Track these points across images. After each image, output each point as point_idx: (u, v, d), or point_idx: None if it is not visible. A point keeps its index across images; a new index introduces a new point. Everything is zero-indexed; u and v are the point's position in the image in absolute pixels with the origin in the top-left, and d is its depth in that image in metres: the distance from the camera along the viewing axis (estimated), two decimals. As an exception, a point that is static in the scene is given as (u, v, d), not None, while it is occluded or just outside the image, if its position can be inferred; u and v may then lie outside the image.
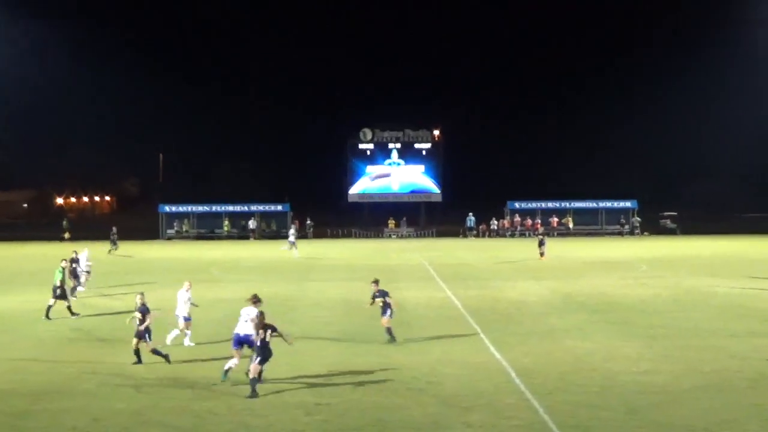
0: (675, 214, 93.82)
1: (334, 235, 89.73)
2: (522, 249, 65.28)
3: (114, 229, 68.79)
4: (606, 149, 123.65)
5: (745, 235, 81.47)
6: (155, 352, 23.33)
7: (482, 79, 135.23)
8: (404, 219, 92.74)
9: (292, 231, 67.15)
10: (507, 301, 36.09)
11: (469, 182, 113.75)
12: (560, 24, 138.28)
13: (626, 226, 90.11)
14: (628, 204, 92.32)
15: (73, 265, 38.24)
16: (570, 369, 22.61)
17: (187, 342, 26.28)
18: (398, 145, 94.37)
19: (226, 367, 21.45)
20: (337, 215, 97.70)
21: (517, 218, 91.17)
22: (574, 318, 31.35)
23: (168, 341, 25.87)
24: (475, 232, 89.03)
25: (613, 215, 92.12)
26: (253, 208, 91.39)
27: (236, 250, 70.04)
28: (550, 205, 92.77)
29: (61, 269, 33.04)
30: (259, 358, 20.17)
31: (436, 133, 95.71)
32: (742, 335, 27.32)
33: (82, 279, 39.94)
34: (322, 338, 26.82)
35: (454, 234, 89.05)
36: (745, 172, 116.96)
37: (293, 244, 63.81)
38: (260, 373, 20.27)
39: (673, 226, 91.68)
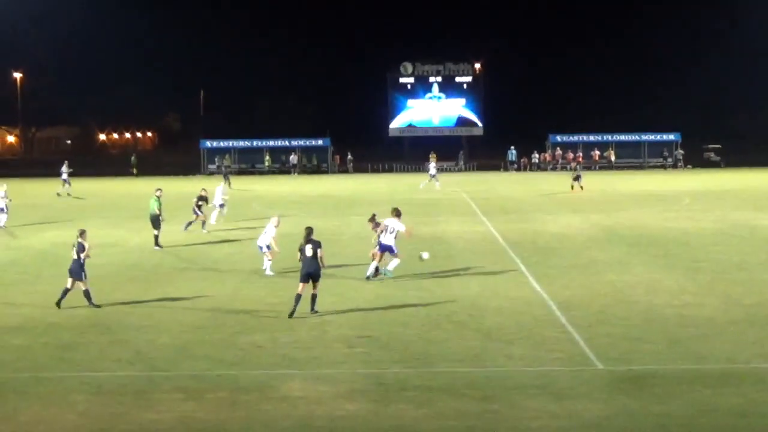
0: (719, 146, 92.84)
1: (375, 170, 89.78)
2: (563, 182, 64.94)
3: (65, 164, 63.41)
4: (649, 81, 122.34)
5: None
6: (86, 294, 22.53)
7: (523, 11, 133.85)
8: (461, 153, 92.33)
9: (432, 165, 67.58)
10: (548, 235, 36.06)
11: (510, 116, 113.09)
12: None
13: (669, 159, 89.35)
14: (671, 137, 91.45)
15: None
16: (611, 302, 22.63)
17: (268, 271, 27.12)
18: (439, 79, 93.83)
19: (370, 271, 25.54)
20: (379, 150, 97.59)
21: (559, 151, 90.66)
22: (616, 251, 31.30)
23: (268, 271, 27.08)
24: (516, 165, 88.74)
25: (656, 148, 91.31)
26: (294, 143, 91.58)
27: (278, 184, 70.31)
28: (591, 138, 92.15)
29: (156, 198, 33.60)
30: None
31: (477, 66, 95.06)
32: (785, 268, 27.19)
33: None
34: (359, 274, 26.85)
35: (495, 168, 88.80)
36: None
37: (434, 176, 64.78)
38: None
39: (717, 158, 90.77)
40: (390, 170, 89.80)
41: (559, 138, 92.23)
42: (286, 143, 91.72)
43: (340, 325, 20.61)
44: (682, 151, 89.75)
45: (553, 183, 66.64)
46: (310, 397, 15.72)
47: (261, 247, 27.50)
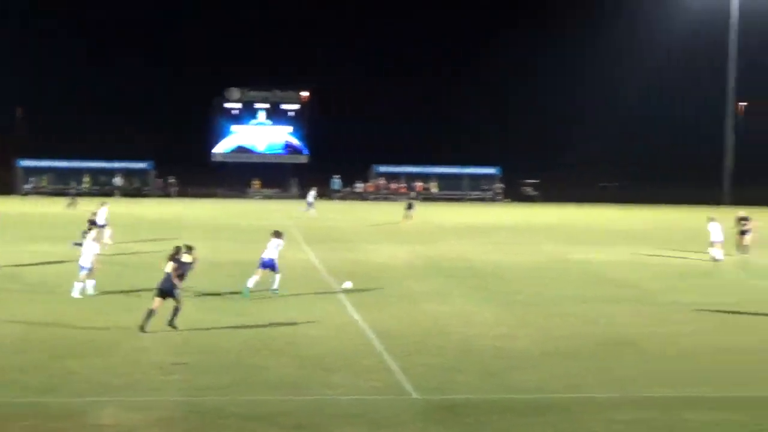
0: (537, 181, 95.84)
1: (198, 195, 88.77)
2: (386, 213, 65.77)
3: None
4: (472, 115, 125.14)
5: (604, 204, 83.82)
6: None
7: (351, 42, 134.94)
8: (294, 179, 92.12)
9: (312, 193, 68.34)
10: (369, 264, 36.39)
11: (335, 145, 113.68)
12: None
13: (489, 193, 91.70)
14: (491, 170, 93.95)
15: None
16: (429, 332, 23.00)
17: (89, 291, 26.85)
18: (266, 106, 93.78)
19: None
20: (203, 174, 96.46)
21: (383, 181, 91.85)
22: (435, 282, 31.85)
23: (89, 290, 26.80)
24: (340, 194, 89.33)
25: (477, 181, 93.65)
26: (116, 164, 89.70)
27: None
28: (415, 169, 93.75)
29: None
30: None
31: (304, 94, 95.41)
32: (596, 301, 28.20)
33: None
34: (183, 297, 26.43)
35: (319, 196, 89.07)
36: (606, 142, 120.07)
37: (311, 204, 65.14)
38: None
39: (534, 193, 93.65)
40: (213, 196, 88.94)
41: (383, 168, 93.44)
42: (108, 165, 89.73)
43: (157, 351, 20.24)
44: (501, 185, 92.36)
45: (376, 213, 67.33)
46: (122, 425, 15.36)
47: (83, 268, 26.80)
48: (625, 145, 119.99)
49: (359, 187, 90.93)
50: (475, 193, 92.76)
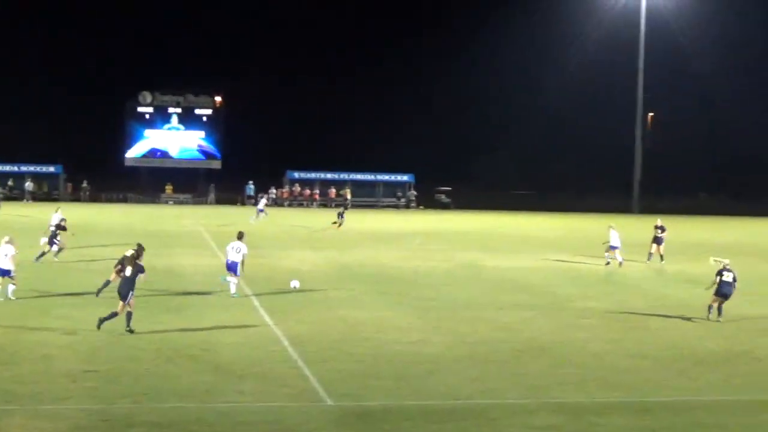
0: (450, 189, 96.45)
1: (110, 200, 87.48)
2: (301, 218, 65.60)
3: None
4: (386, 122, 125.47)
5: (516, 211, 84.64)
6: None
7: (264, 46, 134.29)
8: (212, 185, 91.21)
9: (263, 201, 68.12)
10: (283, 270, 36.18)
11: (249, 150, 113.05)
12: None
13: (403, 200, 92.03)
14: (405, 177, 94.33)
15: None
16: (343, 338, 22.95)
17: (9, 295, 26.59)
18: (179, 110, 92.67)
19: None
20: (115, 179, 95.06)
21: (297, 188, 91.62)
22: (349, 288, 31.81)
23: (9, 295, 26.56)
24: (254, 200, 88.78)
25: (391, 188, 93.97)
26: (24, 168, 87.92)
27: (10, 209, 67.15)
28: (329, 176, 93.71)
29: None
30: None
31: (218, 99, 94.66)
32: (509, 308, 28.45)
33: None
34: (94, 303, 26.02)
35: (233, 202, 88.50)
36: (518, 150, 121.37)
37: (262, 211, 64.63)
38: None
39: (448, 200, 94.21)
40: (125, 200, 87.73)
41: (297, 174, 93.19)
42: (15, 168, 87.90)
43: (66, 358, 19.85)
44: (415, 192, 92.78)
45: (291, 219, 67.01)
46: (29, 434, 15.02)
47: (4, 271, 26.30)
48: (539, 153, 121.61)
49: (273, 193, 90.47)
50: (389, 200, 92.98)
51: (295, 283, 30.22)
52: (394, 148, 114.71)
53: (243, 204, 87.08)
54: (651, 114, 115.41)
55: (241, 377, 18.80)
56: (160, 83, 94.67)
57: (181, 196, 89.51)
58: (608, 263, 40.44)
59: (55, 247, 36.51)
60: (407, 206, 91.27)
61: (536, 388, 18.74)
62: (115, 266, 26.33)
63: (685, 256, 46.23)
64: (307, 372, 19.34)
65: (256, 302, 27.95)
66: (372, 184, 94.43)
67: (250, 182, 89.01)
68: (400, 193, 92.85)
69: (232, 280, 28.84)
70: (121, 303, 22.21)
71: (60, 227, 37.40)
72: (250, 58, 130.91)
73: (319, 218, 59.93)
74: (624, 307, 29.18)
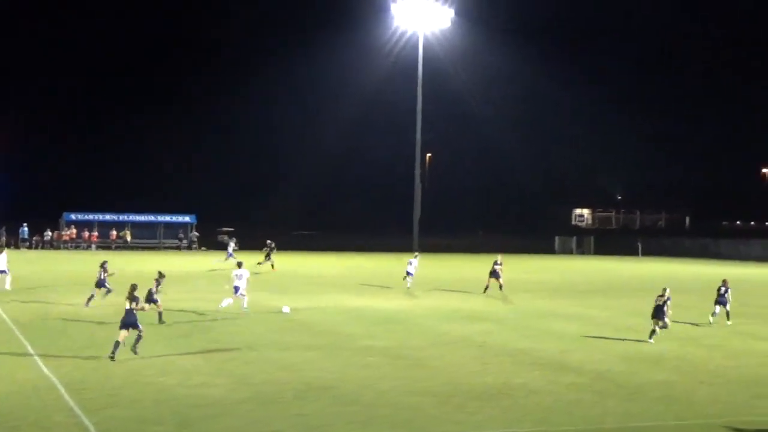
0: (232, 229, 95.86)
1: None
2: (77, 261, 63.59)
3: None
4: (168, 163, 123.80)
5: (300, 251, 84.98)
6: None
7: (41, 87, 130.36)
8: (2, 229, 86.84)
9: (232, 244, 69.07)
10: (59, 315, 34.94)
11: (23, 192, 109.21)
12: (128, 32, 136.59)
13: (184, 241, 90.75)
14: (186, 218, 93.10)
15: None
16: (123, 383, 22.28)
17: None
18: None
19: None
20: None
21: (74, 230, 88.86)
22: (131, 331, 30.90)
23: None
24: (28, 243, 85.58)
25: (172, 229, 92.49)
26: None
27: None
28: (108, 217, 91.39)
29: None
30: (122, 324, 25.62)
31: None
32: (293, 348, 28.38)
33: None
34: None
35: (7, 245, 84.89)
36: (300, 191, 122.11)
37: (231, 255, 64.20)
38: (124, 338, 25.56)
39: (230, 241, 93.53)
40: None
41: (74, 216, 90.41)
42: None
43: None
44: (197, 233, 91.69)
45: (66, 262, 64.91)
46: None
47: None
48: (322, 193, 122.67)
49: (48, 235, 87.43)
50: (171, 242, 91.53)
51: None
52: (176, 189, 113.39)
53: (17, 247, 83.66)
54: (429, 155, 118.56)
55: (14, 429, 17.94)
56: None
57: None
58: (407, 284, 47.57)
59: None
60: (189, 247, 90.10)
61: (321, 427, 18.71)
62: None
63: (463, 293, 47.60)
64: (85, 420, 18.64)
65: (30, 349, 26.81)
66: (153, 225, 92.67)
67: (24, 224, 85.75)
68: (181, 234, 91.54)
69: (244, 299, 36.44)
70: (123, 332, 25.53)
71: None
72: (22, 99, 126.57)
73: (95, 260, 58.10)
74: (406, 344, 29.64)
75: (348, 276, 58.62)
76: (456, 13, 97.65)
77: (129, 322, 25.57)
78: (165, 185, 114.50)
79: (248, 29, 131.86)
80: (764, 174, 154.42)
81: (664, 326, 30.89)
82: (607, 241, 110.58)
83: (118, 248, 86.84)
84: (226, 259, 64.54)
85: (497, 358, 27.23)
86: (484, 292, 46.43)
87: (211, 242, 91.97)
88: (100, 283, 38.93)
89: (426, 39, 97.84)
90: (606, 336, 32.80)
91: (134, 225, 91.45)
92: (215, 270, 59.80)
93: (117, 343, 25.30)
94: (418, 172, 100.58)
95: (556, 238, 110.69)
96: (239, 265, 37.32)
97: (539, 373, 25.07)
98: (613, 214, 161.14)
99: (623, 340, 31.81)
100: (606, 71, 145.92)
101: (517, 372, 25.08)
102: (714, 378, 24.91)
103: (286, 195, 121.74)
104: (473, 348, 28.89)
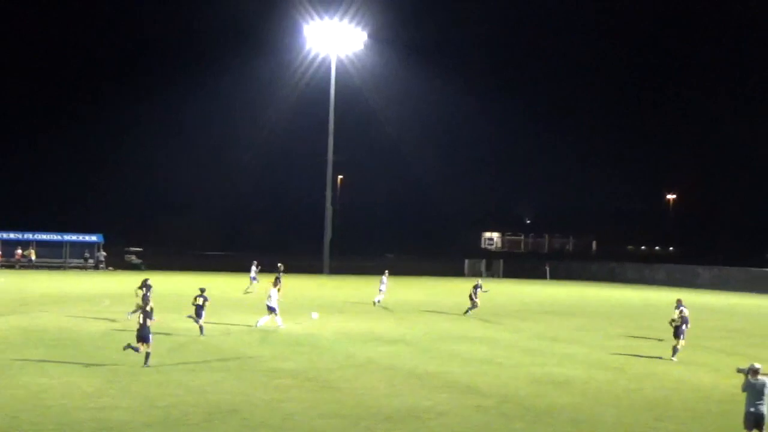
0: (140, 249, 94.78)
1: None
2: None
3: None
4: (72, 182, 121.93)
5: (210, 272, 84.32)
6: None
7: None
8: None
9: (254, 268, 64.84)
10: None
11: None
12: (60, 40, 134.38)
13: (91, 261, 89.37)
14: (93, 238, 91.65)
15: None
16: (24, 407, 21.78)
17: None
18: None
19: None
20: None
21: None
22: (33, 353, 30.34)
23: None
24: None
25: (78, 249, 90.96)
26: None
27: None
28: (12, 235, 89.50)
29: None
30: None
31: None
32: (200, 370, 28.07)
33: None
34: None
35: None
36: (212, 212, 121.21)
37: (254, 279, 62.91)
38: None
39: (139, 261, 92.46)
40: None
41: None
42: None
43: None
44: (104, 253, 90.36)
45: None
46: None
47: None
48: (233, 214, 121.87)
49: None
50: (77, 261, 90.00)
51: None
52: (83, 208, 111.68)
53: None
54: (341, 177, 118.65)
55: None
56: None
57: None
58: (377, 301, 53.54)
59: None
60: (96, 267, 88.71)
61: (228, 450, 18.53)
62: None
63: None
64: (-16, 444, 18.21)
65: (-72, 371, 26.09)
66: (58, 245, 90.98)
67: None
68: (88, 254, 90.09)
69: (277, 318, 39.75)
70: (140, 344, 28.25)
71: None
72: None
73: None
74: (314, 366, 29.53)
75: (255, 297, 58.20)
76: (369, 35, 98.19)
77: (143, 334, 28.19)
78: (71, 205, 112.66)
79: (161, 48, 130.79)
80: (668, 200, 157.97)
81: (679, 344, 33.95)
82: (516, 265, 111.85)
83: (23, 267, 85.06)
84: (251, 284, 63.42)
85: (406, 380, 27.30)
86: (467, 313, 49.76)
87: (119, 262, 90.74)
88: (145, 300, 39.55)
89: (339, 61, 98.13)
90: (513, 359, 33.12)
91: (39, 244, 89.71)
92: (247, 295, 58.75)
93: (136, 349, 28.33)
94: (329, 194, 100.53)
95: (466, 261, 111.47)
96: (276, 282, 43.89)
97: (447, 395, 25.17)
98: (522, 237, 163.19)
99: (531, 363, 32.17)
100: (519, 95, 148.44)
101: (425, 395, 25.15)
102: (618, 401, 25.31)
103: (198, 216, 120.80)
104: (382, 370, 28.96)
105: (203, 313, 37.00)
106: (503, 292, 73.61)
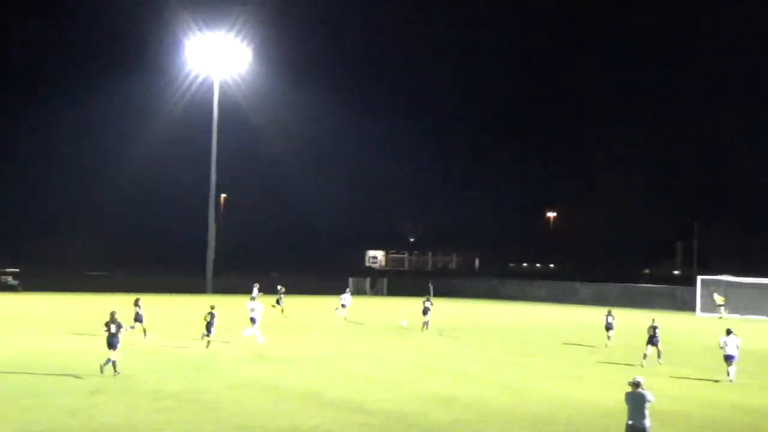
0: (17, 270, 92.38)
1: None
2: None
3: None
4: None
5: (91, 293, 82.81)
6: None
7: None
8: None
9: (255, 290, 62.45)
10: None
11: None
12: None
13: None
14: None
15: None
16: None
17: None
18: None
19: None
20: None
21: None
22: None
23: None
24: None
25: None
26: None
27: None
28: None
29: None
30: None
31: None
32: (79, 392, 27.35)
33: None
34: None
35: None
36: (92, 232, 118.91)
37: (345, 306, 61.41)
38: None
39: (15, 282, 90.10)
40: None
41: None
42: None
43: None
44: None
45: None
46: None
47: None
48: (115, 234, 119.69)
49: None
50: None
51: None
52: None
53: None
54: (224, 195, 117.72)
55: None
56: None
57: None
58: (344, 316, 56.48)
59: None
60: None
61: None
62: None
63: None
64: None
65: None
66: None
67: None
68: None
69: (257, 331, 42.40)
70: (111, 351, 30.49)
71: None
72: None
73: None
74: (197, 387, 29.09)
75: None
76: (254, 55, 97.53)
77: (113, 342, 30.76)
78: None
79: (41, 64, 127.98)
80: (549, 218, 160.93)
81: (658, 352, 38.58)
82: (401, 282, 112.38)
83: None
84: (343, 310, 61.72)
85: (290, 399, 27.11)
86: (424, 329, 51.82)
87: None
88: (138, 318, 43.50)
89: (223, 81, 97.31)
90: (398, 376, 33.21)
91: None
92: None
93: (108, 360, 30.70)
94: (212, 213, 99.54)
95: (350, 279, 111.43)
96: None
97: (331, 414, 25.07)
98: (407, 255, 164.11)
99: (416, 380, 32.28)
100: (404, 114, 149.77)
101: (310, 413, 25.00)
102: (502, 416, 25.55)
103: (79, 235, 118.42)
104: (266, 390, 28.70)
105: (213, 329, 39.92)
106: (387, 310, 73.85)
